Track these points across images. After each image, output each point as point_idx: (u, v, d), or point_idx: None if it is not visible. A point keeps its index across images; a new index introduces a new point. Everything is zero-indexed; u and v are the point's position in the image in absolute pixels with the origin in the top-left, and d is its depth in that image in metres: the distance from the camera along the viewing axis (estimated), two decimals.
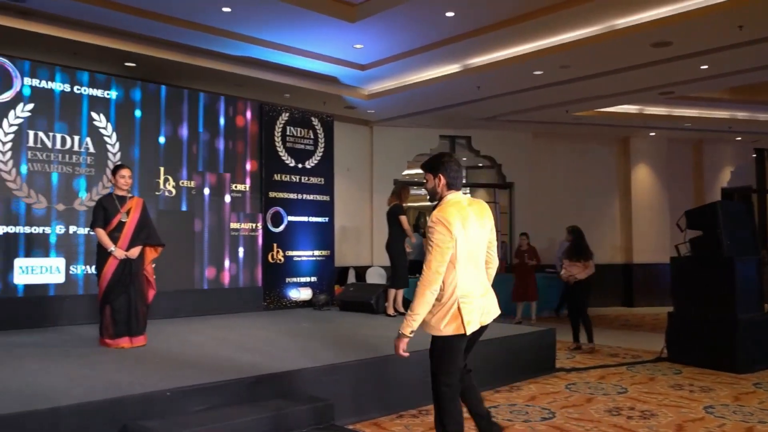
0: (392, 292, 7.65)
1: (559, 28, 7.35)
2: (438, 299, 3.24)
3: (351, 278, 10.85)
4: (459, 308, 3.23)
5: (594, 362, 6.85)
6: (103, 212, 5.38)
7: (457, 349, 3.30)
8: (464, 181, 13.44)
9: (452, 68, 8.80)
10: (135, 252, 5.40)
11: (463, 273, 3.26)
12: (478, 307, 3.31)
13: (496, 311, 3.47)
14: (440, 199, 3.40)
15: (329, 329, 6.66)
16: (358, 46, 8.05)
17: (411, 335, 3.24)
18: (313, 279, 8.97)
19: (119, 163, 6.70)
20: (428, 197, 3.52)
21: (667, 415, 4.75)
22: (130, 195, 5.58)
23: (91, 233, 5.57)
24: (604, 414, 4.77)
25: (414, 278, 4.76)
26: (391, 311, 7.61)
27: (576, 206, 12.70)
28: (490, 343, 5.74)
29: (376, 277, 10.96)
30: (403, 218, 7.46)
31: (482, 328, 3.39)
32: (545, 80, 8.89)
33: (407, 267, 7.60)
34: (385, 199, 11.84)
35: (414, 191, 18.90)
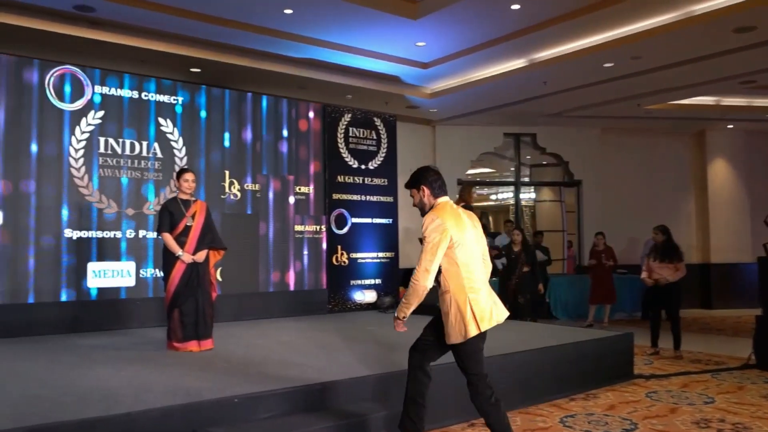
0: None
1: (630, 17, 7.00)
2: (448, 304, 3.35)
3: None
4: (471, 307, 3.32)
5: (675, 369, 6.47)
6: (170, 216, 5.40)
7: (479, 349, 3.42)
8: (527, 179, 13.13)
9: (517, 63, 8.54)
10: (201, 256, 5.41)
11: (467, 272, 3.36)
12: (488, 306, 3.38)
13: (505, 312, 3.52)
14: (431, 208, 3.50)
15: (395, 333, 6.50)
16: (420, 43, 7.90)
17: (405, 319, 3.52)
18: (378, 281, 8.88)
19: (184, 167, 6.76)
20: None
21: (762, 429, 4.40)
22: (193, 198, 5.59)
23: (159, 237, 5.62)
24: (692, 426, 4.45)
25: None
26: None
27: (648, 203, 12.19)
28: (563, 348, 5.51)
29: None
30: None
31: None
32: (615, 73, 8.52)
33: None
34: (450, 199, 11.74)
35: (478, 191, 18.74)
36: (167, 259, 5.43)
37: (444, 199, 3.50)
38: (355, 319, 7.64)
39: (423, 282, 3.32)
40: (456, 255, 3.33)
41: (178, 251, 5.31)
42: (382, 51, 8.22)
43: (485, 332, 3.38)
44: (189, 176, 5.51)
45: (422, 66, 8.78)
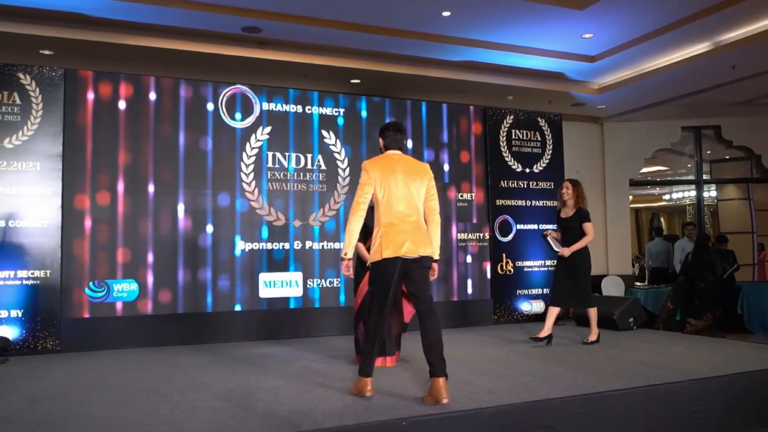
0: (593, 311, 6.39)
1: None
2: (373, 235, 4.06)
3: None
4: (381, 238, 3.98)
5: None
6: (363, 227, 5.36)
7: (385, 273, 3.96)
8: (707, 177, 11.84)
9: (700, 48, 7.67)
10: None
11: (384, 211, 4.03)
12: (400, 241, 3.93)
13: (424, 250, 4.02)
14: None
15: (569, 348, 6.06)
16: (587, 35, 7.35)
17: (347, 257, 4.07)
18: (546, 290, 8.37)
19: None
20: None
21: None
22: None
23: (332, 246, 5.58)
24: None
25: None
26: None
27: None
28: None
29: (612, 287, 10.01)
30: (588, 226, 6.21)
31: (413, 262, 3.98)
32: None
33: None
34: (619, 201, 10.92)
35: (648, 191, 17.37)
36: (357, 270, 5.28)
37: (388, 152, 4.21)
38: (523, 331, 7.22)
39: (356, 213, 4.08)
40: (378, 196, 4.05)
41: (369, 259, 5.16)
42: (544, 47, 7.78)
43: (394, 264, 3.93)
44: None
45: (589, 59, 8.19)
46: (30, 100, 6.24)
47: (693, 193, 12.42)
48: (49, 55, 7.08)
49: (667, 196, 17.96)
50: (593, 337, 6.24)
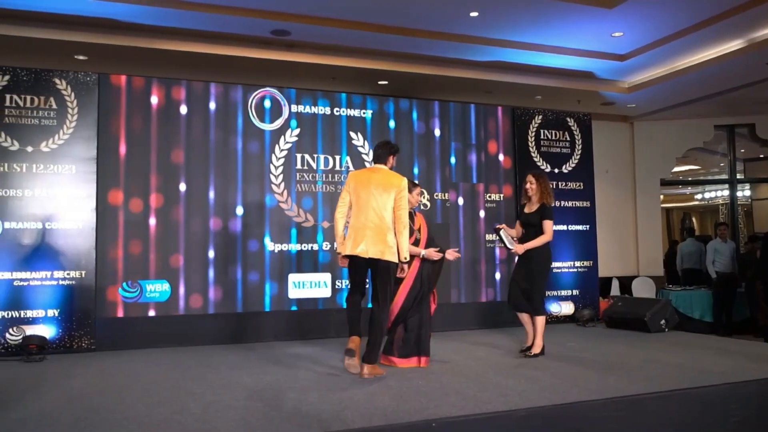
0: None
1: None
2: None
3: (614, 290, 9.93)
4: (345, 236, 4.84)
5: None
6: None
7: (350, 266, 4.84)
8: (741, 176, 11.58)
9: (733, 45, 7.52)
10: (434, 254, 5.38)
11: (354, 216, 4.80)
12: (358, 241, 4.68)
13: (374, 252, 4.67)
14: None
15: (599, 350, 6.01)
16: (616, 34, 7.27)
17: (339, 252, 4.88)
18: (575, 292, 8.31)
19: (414, 181, 6.66)
20: None
21: None
22: (414, 211, 5.56)
23: None
24: None
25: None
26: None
27: None
28: None
29: (643, 288, 9.88)
30: (548, 224, 5.66)
31: (371, 261, 4.72)
32: None
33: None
34: (650, 201, 10.77)
35: (679, 190, 17.08)
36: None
37: (375, 165, 4.98)
38: (552, 333, 7.15)
39: (336, 214, 4.89)
40: (352, 201, 4.83)
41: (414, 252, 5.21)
42: (573, 46, 7.70)
43: (352, 259, 4.77)
44: (418, 189, 5.64)
45: (619, 58, 8.09)
46: (66, 105, 6.38)
47: (726, 193, 12.18)
48: (84, 60, 7.23)
49: (699, 196, 17.62)
50: (537, 350, 5.61)
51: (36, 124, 6.28)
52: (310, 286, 7.08)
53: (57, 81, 6.39)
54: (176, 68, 7.48)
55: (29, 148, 6.23)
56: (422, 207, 7.61)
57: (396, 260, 4.77)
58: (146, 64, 7.37)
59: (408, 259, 4.86)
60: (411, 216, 5.40)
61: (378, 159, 4.98)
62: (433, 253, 5.31)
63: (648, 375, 4.73)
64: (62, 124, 6.35)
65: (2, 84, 6.21)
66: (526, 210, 5.81)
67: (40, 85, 6.33)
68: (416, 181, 6.58)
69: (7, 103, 6.20)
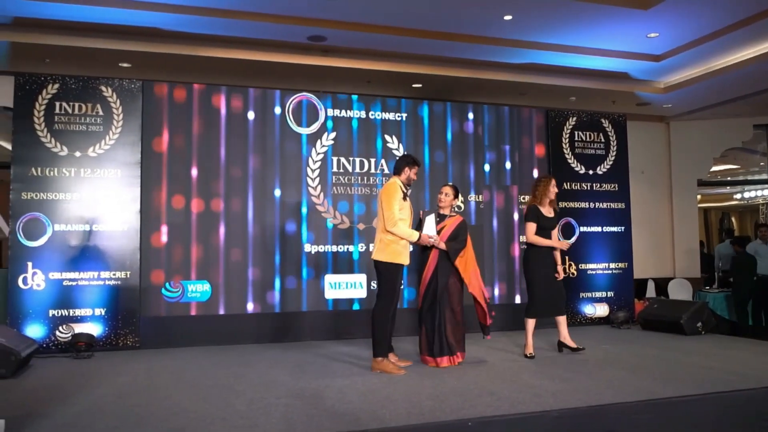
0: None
1: None
2: None
3: (650, 292, 9.84)
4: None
5: None
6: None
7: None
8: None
9: None
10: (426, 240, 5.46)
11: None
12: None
13: (372, 255, 5.27)
14: None
15: (634, 353, 6.01)
16: (652, 34, 7.24)
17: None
18: (610, 294, 8.29)
19: (450, 183, 6.63)
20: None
21: None
22: (451, 214, 5.66)
23: None
24: None
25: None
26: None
27: None
28: None
29: (680, 290, 9.78)
30: (530, 226, 5.82)
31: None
32: None
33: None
34: (687, 202, 10.64)
35: (718, 190, 16.79)
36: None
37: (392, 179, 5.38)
38: (587, 334, 7.17)
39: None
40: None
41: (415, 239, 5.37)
42: (608, 47, 7.69)
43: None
44: (443, 189, 5.67)
45: (654, 59, 8.04)
46: (111, 111, 6.63)
47: (766, 192, 11.96)
48: (128, 67, 7.48)
49: (738, 195, 17.30)
50: (530, 350, 5.78)
51: (83, 131, 6.54)
52: (346, 287, 7.21)
53: (103, 88, 6.63)
54: (216, 74, 7.69)
55: (77, 153, 6.50)
56: (456, 209, 7.68)
57: (384, 258, 5.16)
58: (187, 71, 7.60)
59: (417, 238, 5.29)
60: (444, 218, 5.52)
61: (393, 170, 5.44)
62: (426, 239, 5.34)
63: (683, 378, 4.74)
64: (108, 130, 6.60)
65: (52, 92, 6.48)
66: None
67: (87, 93, 6.58)
68: (450, 183, 6.58)
69: (57, 110, 6.48)
